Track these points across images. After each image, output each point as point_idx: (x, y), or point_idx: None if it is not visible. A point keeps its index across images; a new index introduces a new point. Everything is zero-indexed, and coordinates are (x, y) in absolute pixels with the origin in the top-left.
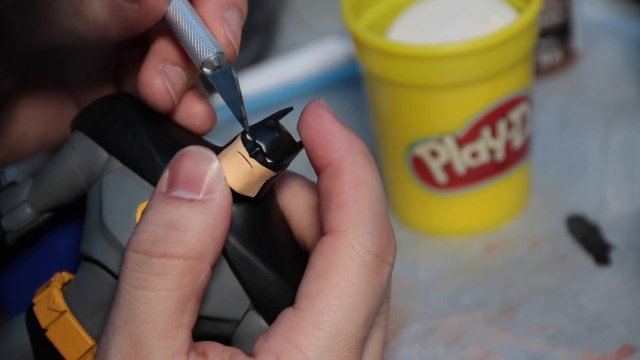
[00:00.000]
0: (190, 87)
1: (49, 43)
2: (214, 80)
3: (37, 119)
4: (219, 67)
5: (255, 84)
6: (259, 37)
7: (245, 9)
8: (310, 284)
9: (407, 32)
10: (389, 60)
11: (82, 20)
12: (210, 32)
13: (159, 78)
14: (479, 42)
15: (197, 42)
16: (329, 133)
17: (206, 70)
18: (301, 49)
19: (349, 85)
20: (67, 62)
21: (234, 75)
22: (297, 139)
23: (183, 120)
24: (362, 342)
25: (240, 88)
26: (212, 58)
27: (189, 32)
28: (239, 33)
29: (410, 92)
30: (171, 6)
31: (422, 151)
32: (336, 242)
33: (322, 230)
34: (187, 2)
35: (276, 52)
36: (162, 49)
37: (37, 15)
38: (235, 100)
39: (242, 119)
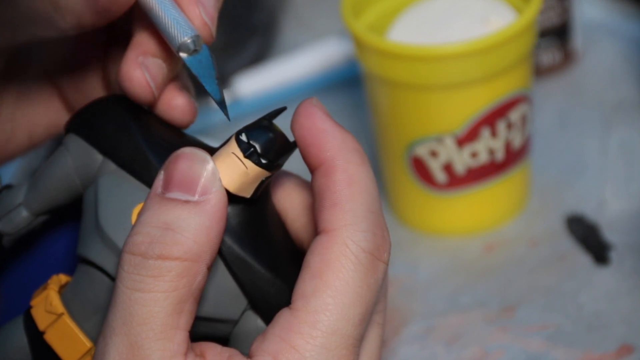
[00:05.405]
0: (172, 79)
1: (25, 35)
2: (191, 64)
3: (24, 117)
4: (195, 50)
5: (255, 84)
6: (259, 37)
7: None
8: (306, 284)
9: (407, 32)
10: (388, 60)
11: (55, 8)
12: (186, 15)
13: (139, 70)
14: (478, 42)
15: (172, 25)
16: (322, 132)
17: (183, 55)
18: (301, 49)
19: (349, 85)
20: (51, 57)
21: (212, 58)
22: (291, 138)
23: (163, 113)
24: (359, 341)
25: (218, 71)
26: (188, 41)
27: (164, 15)
28: (215, 14)
29: (410, 92)
30: None
31: (421, 151)
32: (330, 241)
33: (316, 229)
34: None
35: (276, 52)
36: (143, 41)
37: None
38: (213, 83)
39: (220, 103)
